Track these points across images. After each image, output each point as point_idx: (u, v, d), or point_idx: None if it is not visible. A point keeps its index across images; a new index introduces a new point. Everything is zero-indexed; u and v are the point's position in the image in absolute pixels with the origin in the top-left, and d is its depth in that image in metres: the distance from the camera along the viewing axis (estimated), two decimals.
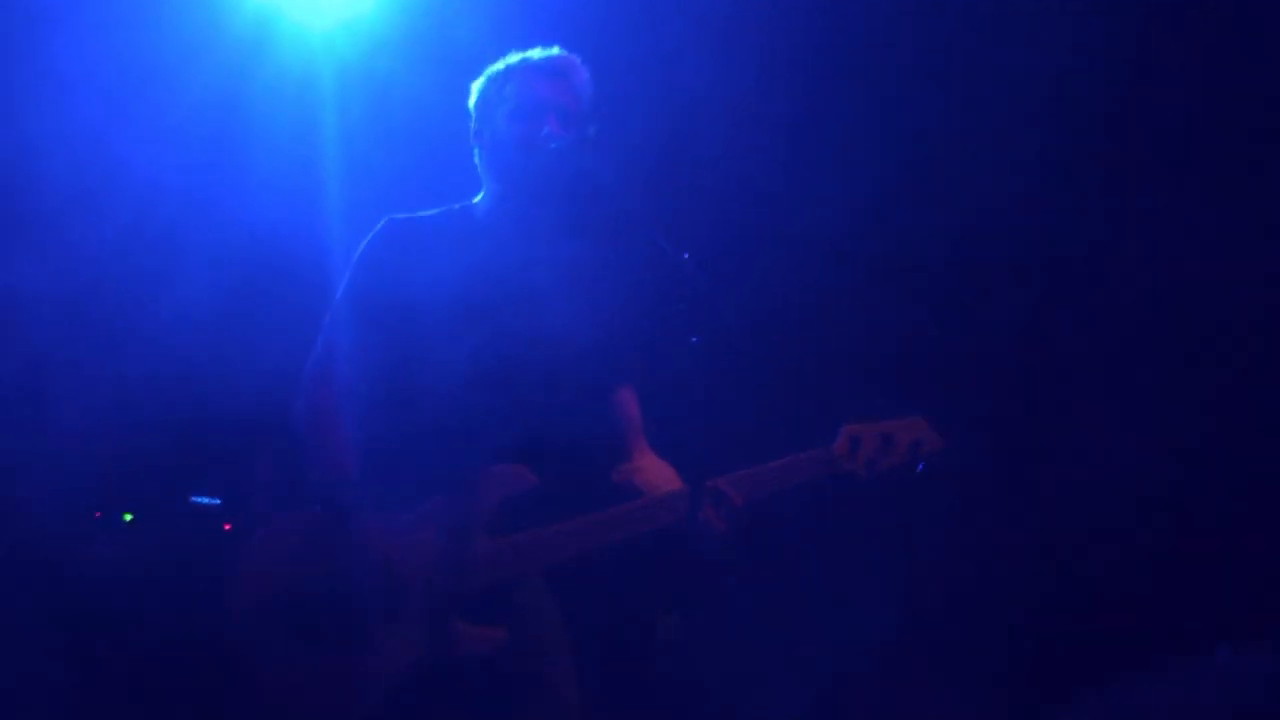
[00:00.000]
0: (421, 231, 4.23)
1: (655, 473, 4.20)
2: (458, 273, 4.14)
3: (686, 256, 3.54)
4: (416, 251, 4.17)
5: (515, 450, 4.06)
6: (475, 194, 4.38)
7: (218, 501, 6.72)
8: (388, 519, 3.99)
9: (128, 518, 6.43)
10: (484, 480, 4.01)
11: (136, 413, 7.12)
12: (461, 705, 3.96)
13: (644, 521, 3.98)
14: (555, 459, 4.10)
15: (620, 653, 4.59)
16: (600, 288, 4.28)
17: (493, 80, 4.27)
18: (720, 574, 3.98)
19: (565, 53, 4.26)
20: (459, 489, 4.01)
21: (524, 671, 4.01)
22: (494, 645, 3.93)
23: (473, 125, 4.33)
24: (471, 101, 4.33)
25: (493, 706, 3.98)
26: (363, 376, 4.16)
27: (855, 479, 4.04)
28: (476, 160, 4.34)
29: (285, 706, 3.87)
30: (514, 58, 4.27)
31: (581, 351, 4.18)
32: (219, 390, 7.57)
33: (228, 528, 6.71)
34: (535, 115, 4.14)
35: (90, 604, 6.14)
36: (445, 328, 4.10)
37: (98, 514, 6.38)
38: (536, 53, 4.25)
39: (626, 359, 4.31)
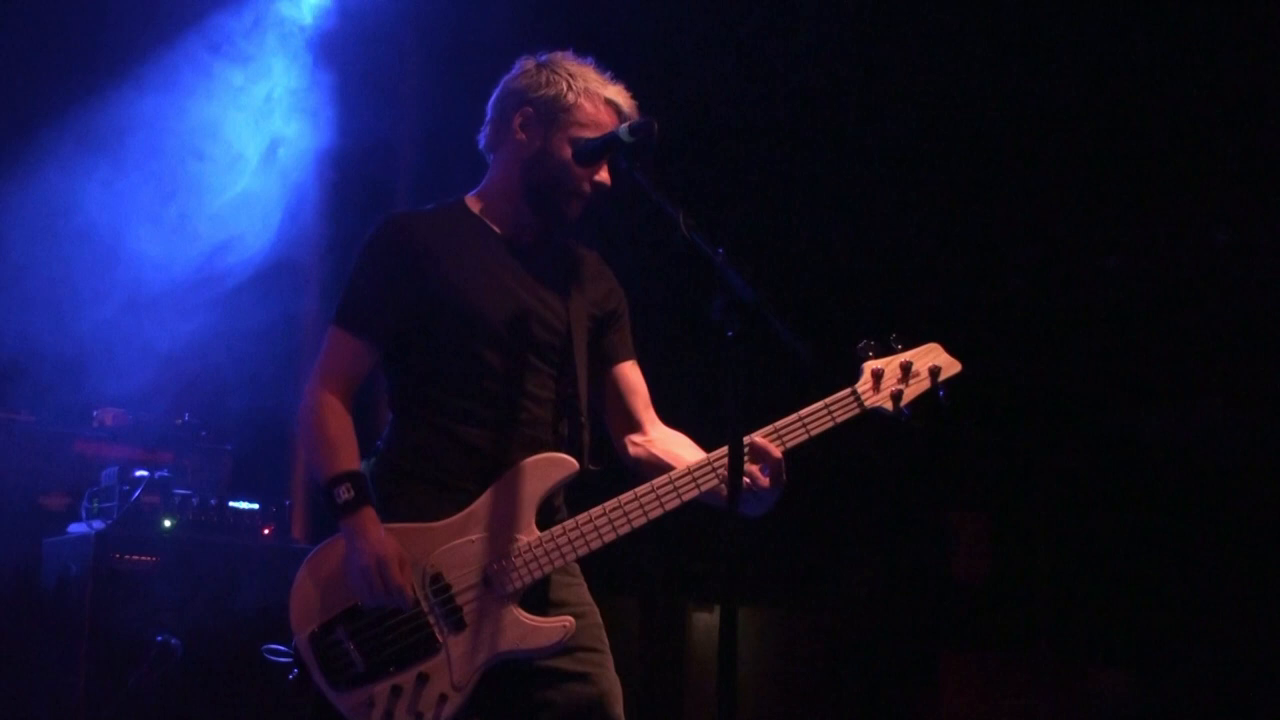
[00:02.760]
0: (425, 228, 4.13)
1: (671, 441, 4.21)
2: (466, 271, 4.08)
3: (721, 251, 3.50)
4: (422, 248, 4.08)
5: (529, 437, 4.06)
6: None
7: (256, 506, 6.72)
8: (430, 527, 3.97)
9: (167, 523, 6.43)
10: (526, 471, 3.99)
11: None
12: (532, 699, 3.98)
13: (689, 488, 3.97)
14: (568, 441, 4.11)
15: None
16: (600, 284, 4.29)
17: (566, 87, 4.11)
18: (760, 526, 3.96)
19: (627, 91, 4.16)
20: (501, 483, 3.99)
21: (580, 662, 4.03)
22: (564, 633, 3.93)
23: (518, 107, 4.15)
24: (524, 83, 4.16)
25: (554, 698, 3.99)
26: (391, 375, 4.14)
27: (882, 413, 4.05)
28: (492, 136, 4.22)
29: None
30: (587, 74, 4.14)
31: (571, 336, 4.16)
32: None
33: (267, 532, 6.72)
34: (598, 156, 4.05)
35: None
36: (456, 325, 4.05)
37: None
38: (610, 81, 4.15)
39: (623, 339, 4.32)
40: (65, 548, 6.36)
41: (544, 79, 4.14)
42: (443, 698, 3.87)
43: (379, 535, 3.87)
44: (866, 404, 4.03)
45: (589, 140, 4.03)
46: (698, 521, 4.14)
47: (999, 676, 9.09)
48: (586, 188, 4.10)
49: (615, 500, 3.96)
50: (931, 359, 4.10)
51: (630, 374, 4.30)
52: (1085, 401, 8.49)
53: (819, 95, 7.91)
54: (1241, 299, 7.98)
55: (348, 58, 7.84)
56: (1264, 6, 7.06)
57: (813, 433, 3.99)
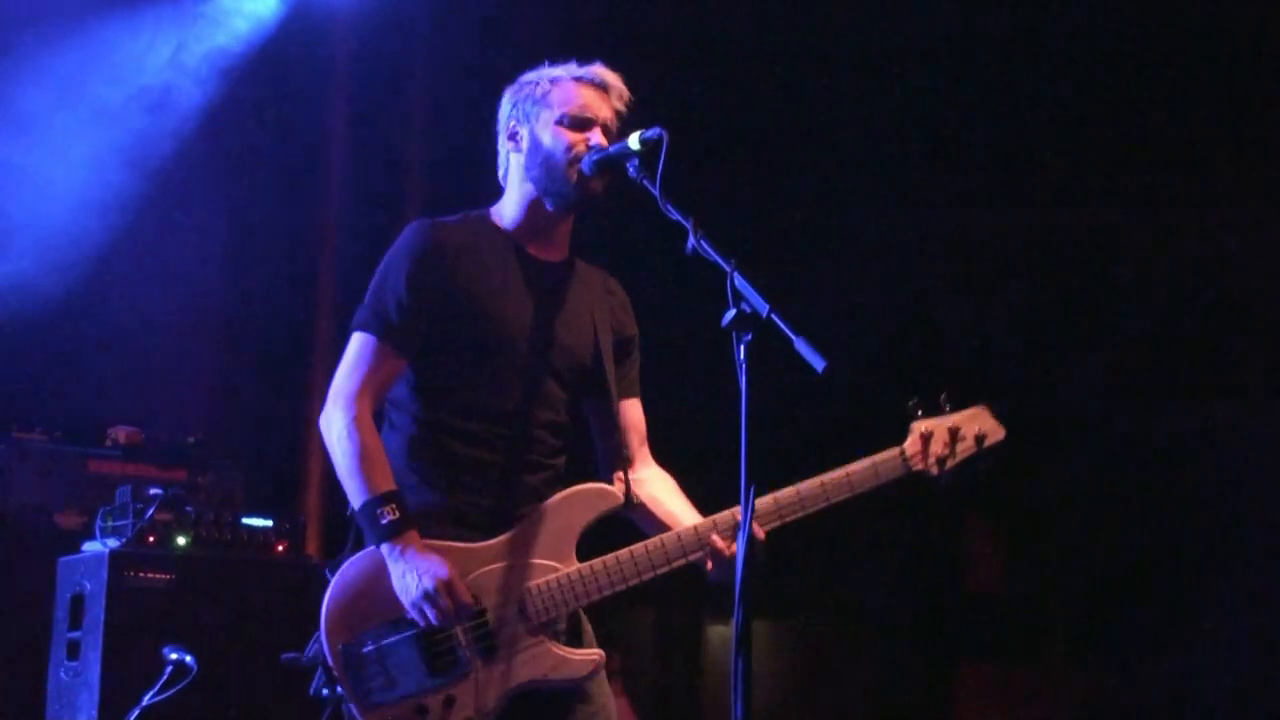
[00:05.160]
0: (455, 237, 4.09)
1: (656, 485, 4.22)
2: (493, 287, 4.06)
3: (734, 262, 3.49)
4: (453, 257, 4.05)
5: (537, 463, 4.05)
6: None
7: (270, 523, 6.71)
8: (471, 548, 3.94)
9: (181, 541, 6.42)
10: (571, 500, 3.99)
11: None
12: None
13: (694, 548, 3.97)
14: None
15: None
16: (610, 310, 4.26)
17: (533, 86, 4.14)
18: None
19: (606, 68, 4.16)
20: (545, 511, 3.98)
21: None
22: (596, 665, 3.94)
23: (507, 127, 4.18)
24: (506, 106, 4.19)
25: None
26: (401, 388, 4.08)
27: (927, 477, 4.06)
28: (504, 163, 4.22)
29: None
30: (554, 68, 4.16)
31: (592, 363, 4.15)
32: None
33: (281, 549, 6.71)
34: (583, 125, 4.05)
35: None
36: (478, 342, 4.02)
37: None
38: (577, 65, 4.14)
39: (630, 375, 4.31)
40: (80, 566, 6.36)
41: (517, 93, 4.19)
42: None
43: (433, 556, 3.84)
44: (914, 467, 4.05)
45: (599, 150, 4.01)
46: None
47: (1015, 687, 9.06)
48: (582, 149, 4.04)
49: (650, 541, 3.98)
50: (978, 425, 4.09)
51: (631, 410, 4.29)
52: (1100, 406, 8.47)
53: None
54: (1252, 302, 7.97)
55: None
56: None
57: (857, 491, 4.01)
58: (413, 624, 3.85)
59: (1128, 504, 8.44)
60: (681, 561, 3.96)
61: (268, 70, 7.78)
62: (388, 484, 3.90)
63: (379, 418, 4.04)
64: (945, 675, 9.13)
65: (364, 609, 3.90)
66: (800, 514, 3.99)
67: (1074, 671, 8.94)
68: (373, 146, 8.15)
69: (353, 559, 3.95)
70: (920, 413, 4.07)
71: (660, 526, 4.08)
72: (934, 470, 4.05)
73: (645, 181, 3.81)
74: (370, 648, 3.87)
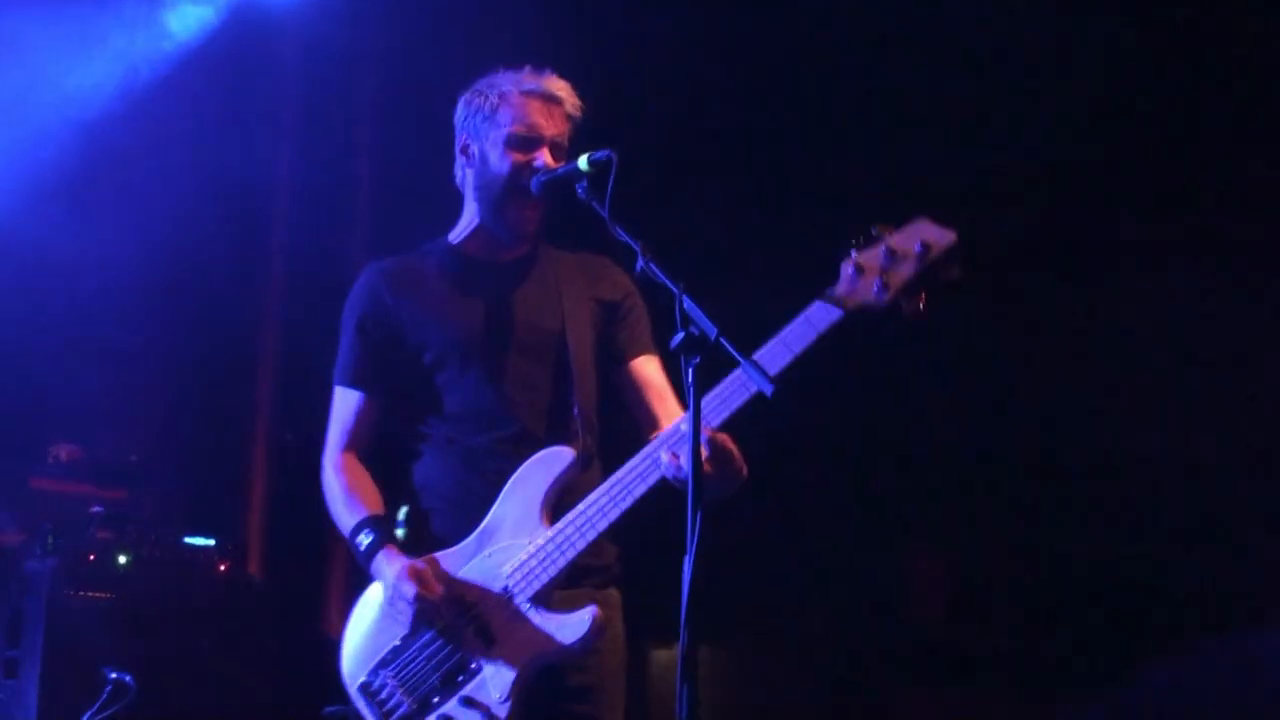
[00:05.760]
0: (396, 273, 4.25)
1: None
2: (454, 308, 4.16)
3: (681, 286, 3.48)
4: (393, 291, 4.20)
5: (528, 436, 4.08)
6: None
7: (212, 542, 6.67)
8: (447, 553, 4.02)
9: (123, 559, 6.37)
10: (525, 474, 4.00)
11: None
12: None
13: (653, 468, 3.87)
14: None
15: None
16: (583, 308, 4.25)
17: (484, 98, 4.17)
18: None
19: (557, 77, 4.18)
20: (506, 492, 4.00)
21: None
22: (593, 621, 3.90)
23: (459, 141, 4.24)
24: (459, 116, 4.24)
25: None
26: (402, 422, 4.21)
27: (871, 310, 3.70)
28: (459, 175, 4.28)
29: None
30: (505, 78, 4.18)
31: (562, 329, 4.17)
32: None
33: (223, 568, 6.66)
34: (529, 146, 4.09)
35: None
36: (432, 350, 4.13)
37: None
38: (529, 75, 4.16)
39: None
40: (20, 584, 6.29)
41: (469, 104, 4.22)
42: (490, 715, 3.88)
43: (399, 560, 3.95)
44: (849, 307, 3.70)
45: (546, 170, 4.05)
46: (654, 559, 4.10)
47: (958, 713, 9.08)
48: (525, 179, 4.07)
49: (607, 481, 3.93)
50: (919, 237, 3.69)
51: (644, 368, 4.26)
52: (1046, 427, 8.50)
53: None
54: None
55: None
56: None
57: (796, 351, 3.69)
58: (417, 641, 3.95)
59: (1073, 525, 8.47)
60: (643, 487, 3.87)
61: (213, 70, 7.73)
62: (363, 512, 4.08)
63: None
64: (887, 702, 9.14)
65: (372, 643, 4.04)
66: (746, 395, 3.73)
67: (1020, 698, 8.97)
68: (319, 161, 8.10)
69: (357, 602, 4.11)
70: (854, 251, 3.73)
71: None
72: (875, 300, 3.67)
73: (594, 203, 3.80)
74: (384, 674, 3.98)
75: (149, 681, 5.94)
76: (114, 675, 5.85)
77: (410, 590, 3.88)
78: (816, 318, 3.71)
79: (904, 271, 3.68)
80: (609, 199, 3.74)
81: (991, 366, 8.16)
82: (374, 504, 4.11)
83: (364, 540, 4.03)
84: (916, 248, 3.67)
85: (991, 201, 7.21)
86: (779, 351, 3.70)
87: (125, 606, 6.24)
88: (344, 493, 4.12)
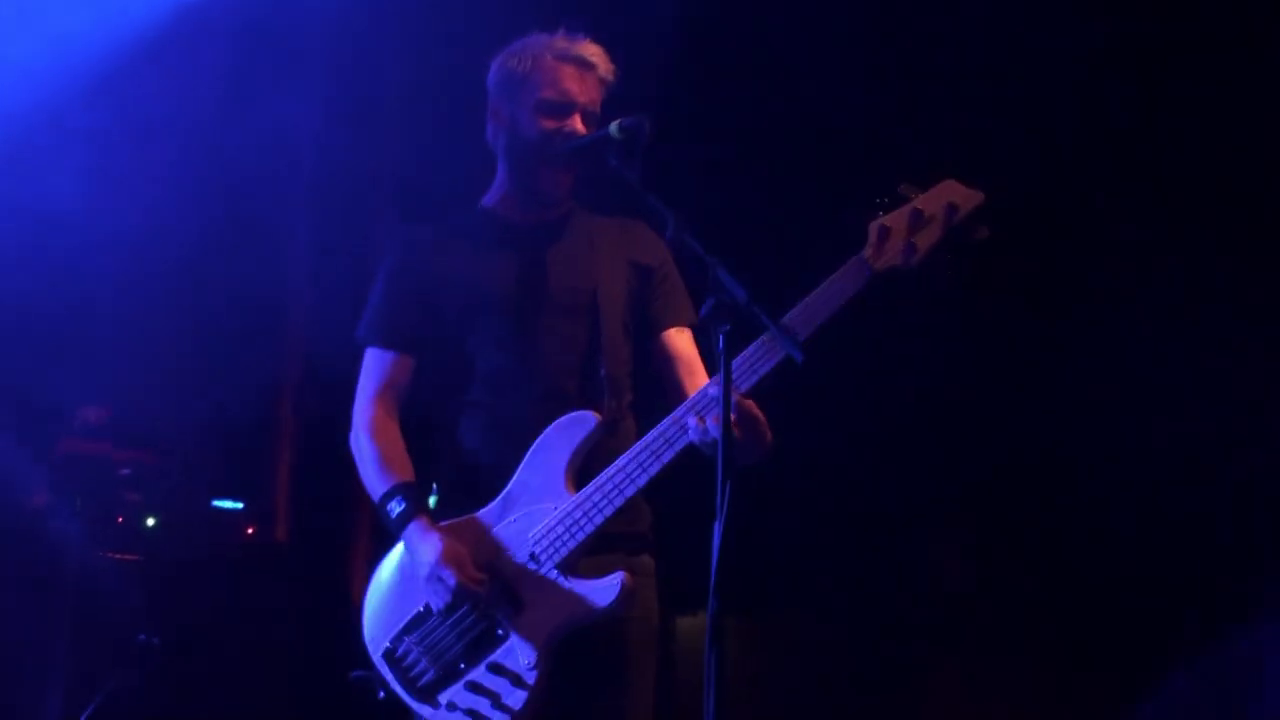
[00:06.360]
0: (431, 236, 4.21)
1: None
2: (487, 268, 4.10)
3: (714, 256, 3.45)
4: (427, 253, 4.16)
5: (557, 395, 4.02)
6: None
7: (240, 505, 6.69)
8: (473, 518, 3.97)
9: (151, 521, 6.39)
10: (550, 437, 3.95)
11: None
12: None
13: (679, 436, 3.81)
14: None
15: None
16: (619, 270, 4.19)
17: (517, 61, 4.12)
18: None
19: (591, 42, 4.12)
20: (530, 456, 3.96)
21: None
22: (622, 586, 3.85)
23: (492, 104, 4.20)
24: (492, 79, 4.19)
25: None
26: (413, 387, 4.17)
27: (901, 273, 3.65)
28: (491, 139, 4.24)
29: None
30: (539, 41, 4.13)
31: (597, 287, 4.11)
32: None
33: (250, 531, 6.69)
34: (561, 112, 4.04)
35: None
36: (463, 311, 4.09)
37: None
38: (562, 40, 4.11)
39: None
40: (48, 546, 6.31)
41: (502, 67, 4.17)
42: (519, 680, 3.84)
43: (436, 539, 3.89)
44: (877, 267, 3.64)
45: (577, 138, 4.02)
46: (686, 529, 4.07)
47: (987, 682, 9.07)
48: (555, 145, 4.03)
49: (634, 446, 3.86)
50: (946, 198, 3.65)
51: (674, 340, 4.18)
52: (1072, 407, 8.47)
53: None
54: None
55: None
56: None
57: (825, 315, 3.64)
58: (439, 617, 3.91)
59: (1101, 501, 8.44)
60: (670, 453, 3.80)
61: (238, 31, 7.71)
62: (394, 478, 4.01)
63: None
64: (917, 672, 9.13)
65: (395, 607, 3.99)
66: (773, 361, 3.66)
67: (1047, 669, 8.96)
68: (348, 124, 8.06)
69: (379, 565, 4.07)
70: (881, 212, 3.68)
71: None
72: (903, 262, 3.62)
73: (625, 172, 3.76)
74: (408, 643, 3.94)
75: (175, 643, 5.96)
76: (141, 638, 5.87)
77: (451, 578, 3.82)
78: (845, 281, 3.67)
79: (932, 233, 3.64)
80: (639, 166, 3.72)
81: (1019, 348, 8.15)
82: (405, 470, 4.03)
83: (395, 508, 3.97)
84: (944, 209, 3.64)
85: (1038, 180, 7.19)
86: (808, 316, 3.65)
87: (152, 568, 6.26)
88: (374, 456, 4.05)
